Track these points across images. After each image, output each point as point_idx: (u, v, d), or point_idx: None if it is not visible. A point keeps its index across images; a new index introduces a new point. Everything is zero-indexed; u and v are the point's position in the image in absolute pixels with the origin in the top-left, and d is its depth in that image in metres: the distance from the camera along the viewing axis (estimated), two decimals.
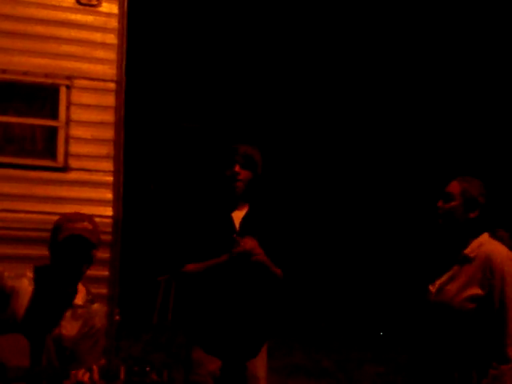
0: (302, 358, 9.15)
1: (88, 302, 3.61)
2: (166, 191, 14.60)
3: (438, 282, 3.51)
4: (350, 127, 16.58)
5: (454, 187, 3.49)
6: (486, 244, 3.42)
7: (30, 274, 3.55)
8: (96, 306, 3.66)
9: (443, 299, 3.43)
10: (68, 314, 3.53)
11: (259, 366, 4.12)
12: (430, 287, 3.55)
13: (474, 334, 3.33)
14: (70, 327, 3.52)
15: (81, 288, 3.63)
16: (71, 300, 3.55)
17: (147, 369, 3.32)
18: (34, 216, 6.43)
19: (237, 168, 4.06)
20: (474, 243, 3.43)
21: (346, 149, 16.60)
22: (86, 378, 3.28)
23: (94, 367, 3.31)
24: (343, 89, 16.43)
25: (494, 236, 3.50)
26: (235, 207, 4.15)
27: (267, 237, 4.13)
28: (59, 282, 3.50)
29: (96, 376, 3.30)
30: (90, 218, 3.56)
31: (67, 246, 3.42)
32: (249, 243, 3.93)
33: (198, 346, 4.02)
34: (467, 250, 3.42)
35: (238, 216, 4.14)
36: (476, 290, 3.32)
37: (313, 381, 8.05)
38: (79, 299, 3.59)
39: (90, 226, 3.47)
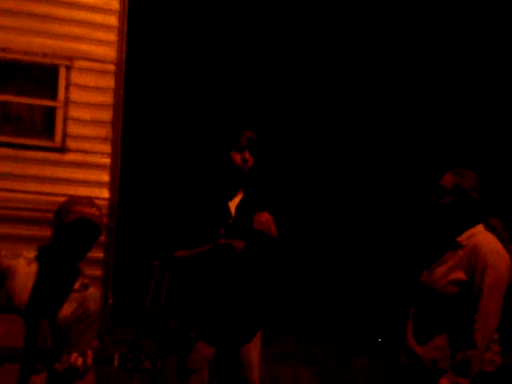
0: (292, 346, 9.16)
1: (83, 286, 3.61)
2: (162, 174, 14.57)
3: (430, 267, 3.65)
4: (346, 112, 16.55)
5: (447, 181, 3.57)
6: (477, 234, 3.52)
7: (27, 255, 3.54)
8: (91, 290, 3.64)
9: (430, 281, 3.57)
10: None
11: (253, 353, 4.13)
12: (426, 271, 3.68)
13: (453, 318, 3.47)
14: (64, 310, 3.52)
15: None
16: (71, 283, 3.55)
17: (141, 356, 3.32)
18: (31, 196, 6.41)
19: (247, 155, 4.04)
20: (468, 232, 3.54)
21: (342, 133, 16.57)
22: (80, 362, 3.28)
23: (89, 352, 3.31)
24: (340, 75, 16.39)
25: (488, 227, 3.58)
26: (235, 193, 4.13)
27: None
28: (62, 263, 3.50)
29: (89, 361, 3.30)
30: (95, 203, 3.54)
31: (75, 228, 3.41)
32: (265, 216, 3.92)
33: (193, 331, 4.02)
34: (460, 238, 3.54)
35: (233, 201, 4.13)
36: (460, 275, 3.45)
37: (302, 368, 8.06)
38: (76, 283, 3.59)
39: (97, 212, 3.46)
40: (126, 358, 3.32)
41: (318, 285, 13.53)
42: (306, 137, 16.50)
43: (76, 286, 3.58)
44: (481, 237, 3.51)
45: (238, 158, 4.02)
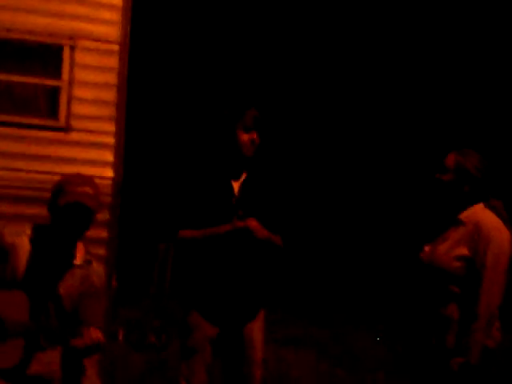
0: (296, 330, 9.19)
1: (86, 262, 3.62)
2: (167, 156, 14.56)
3: (432, 244, 3.75)
4: (345, 92, 16.50)
5: (450, 160, 3.70)
6: (479, 212, 3.64)
7: (29, 232, 3.55)
8: (94, 265, 3.66)
9: (433, 258, 3.66)
10: (67, 273, 3.54)
11: (256, 330, 4.12)
12: (425, 247, 3.77)
13: (458, 295, 3.55)
14: (67, 287, 3.53)
15: (80, 248, 3.63)
16: (71, 260, 3.55)
17: (146, 331, 3.34)
18: (35, 175, 6.43)
19: (254, 135, 4.03)
20: (469, 210, 3.66)
21: (344, 110, 16.51)
22: (100, 335, 3.29)
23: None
24: (340, 55, 16.36)
25: (488, 206, 3.68)
26: (239, 173, 4.11)
27: (267, 202, 4.12)
28: (58, 241, 3.50)
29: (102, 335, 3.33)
30: (91, 181, 3.54)
31: (67, 211, 3.41)
32: (251, 223, 3.90)
33: (196, 311, 4.01)
34: (461, 216, 3.65)
35: (237, 181, 4.11)
36: (464, 251, 3.55)
37: (306, 352, 8.07)
38: (78, 259, 3.60)
39: (91, 191, 3.45)
40: (131, 333, 3.34)
41: (321, 269, 13.55)
42: (304, 111, 16.47)
43: (78, 262, 3.59)
44: (482, 214, 3.63)
45: (245, 138, 4.00)
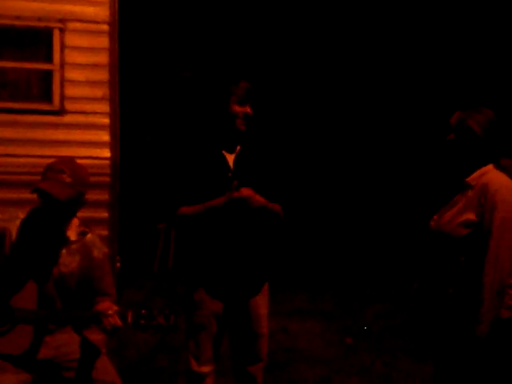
0: (303, 301, 9.20)
1: (80, 234, 3.60)
2: (162, 143, 14.51)
3: (441, 210, 3.54)
4: (345, 67, 16.41)
5: (454, 118, 3.46)
6: (487, 173, 3.39)
7: (22, 216, 3.55)
8: (89, 237, 3.64)
9: (439, 224, 3.45)
10: (63, 251, 3.53)
11: (261, 304, 4.13)
12: (435, 216, 3.56)
13: (466, 261, 3.34)
14: (68, 263, 3.53)
15: (73, 222, 3.62)
16: (62, 237, 3.54)
17: (154, 312, 3.33)
18: (32, 160, 6.45)
19: (248, 109, 4.00)
20: (477, 172, 3.41)
21: (342, 80, 16.39)
22: (116, 318, 3.30)
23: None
24: (339, 34, 16.27)
25: (498, 167, 3.44)
26: (234, 146, 4.09)
27: (263, 174, 4.10)
28: (44, 223, 3.49)
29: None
30: (73, 169, 3.48)
31: (41, 196, 3.41)
32: (245, 192, 3.88)
33: (200, 287, 4.01)
34: (469, 179, 3.42)
35: (231, 155, 4.09)
36: (470, 216, 3.33)
37: (313, 322, 8.09)
38: (72, 234, 3.59)
39: (68, 179, 3.41)
40: (140, 315, 3.34)
41: (326, 238, 13.52)
42: (302, 98, 16.38)
43: (73, 236, 3.58)
44: (490, 175, 3.38)
45: (239, 111, 3.98)
